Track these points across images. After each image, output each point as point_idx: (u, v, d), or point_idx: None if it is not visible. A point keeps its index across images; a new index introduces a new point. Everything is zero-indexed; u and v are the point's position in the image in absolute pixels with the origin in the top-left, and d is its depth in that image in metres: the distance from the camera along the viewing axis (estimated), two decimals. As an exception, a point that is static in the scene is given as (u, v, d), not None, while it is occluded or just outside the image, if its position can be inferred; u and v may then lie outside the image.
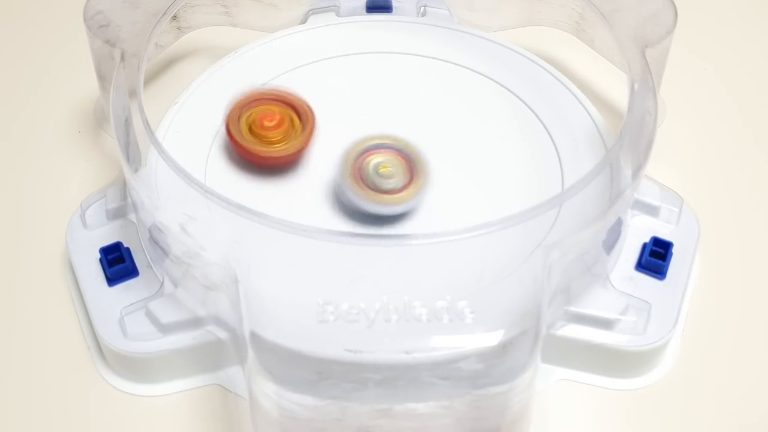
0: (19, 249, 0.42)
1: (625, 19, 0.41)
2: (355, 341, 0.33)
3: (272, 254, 0.35)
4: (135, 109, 0.38)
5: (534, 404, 0.35)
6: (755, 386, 0.38)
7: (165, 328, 0.37)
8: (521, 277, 0.35)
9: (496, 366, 0.33)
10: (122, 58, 0.40)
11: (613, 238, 0.38)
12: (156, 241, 0.37)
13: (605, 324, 0.37)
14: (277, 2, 0.48)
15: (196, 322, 0.37)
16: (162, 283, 0.38)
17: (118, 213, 0.41)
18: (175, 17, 0.46)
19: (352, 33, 0.47)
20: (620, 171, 0.38)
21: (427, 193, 0.39)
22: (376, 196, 0.38)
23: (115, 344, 0.37)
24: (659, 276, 0.39)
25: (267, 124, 0.40)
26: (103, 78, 0.42)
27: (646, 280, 0.39)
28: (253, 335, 0.33)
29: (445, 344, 0.33)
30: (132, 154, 0.38)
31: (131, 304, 0.38)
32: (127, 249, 0.39)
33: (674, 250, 0.39)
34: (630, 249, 0.40)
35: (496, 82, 0.45)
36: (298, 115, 0.41)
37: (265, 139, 0.40)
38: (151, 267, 0.39)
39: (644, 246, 0.40)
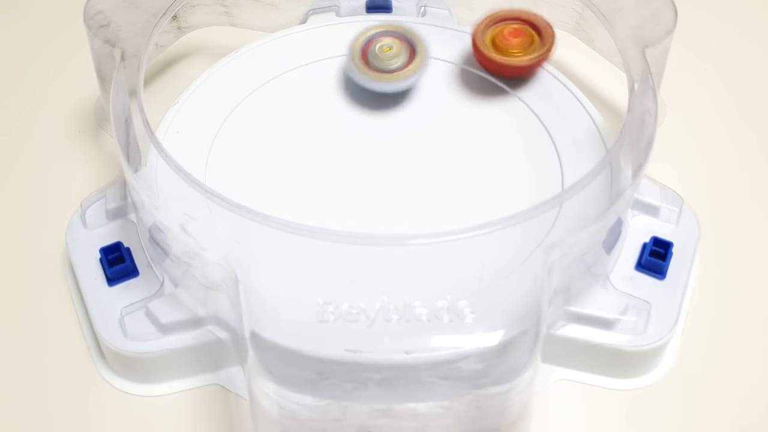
0: (19, 249, 0.42)
1: (625, 19, 0.41)
2: (356, 341, 0.33)
3: (272, 254, 0.35)
4: (135, 108, 0.38)
5: (534, 404, 0.35)
6: (755, 386, 0.38)
7: (165, 328, 0.37)
8: (521, 277, 0.35)
9: (497, 366, 0.33)
10: (122, 57, 0.40)
11: (613, 238, 0.38)
12: (156, 241, 0.37)
13: (605, 324, 0.37)
14: (278, 2, 0.48)
15: (196, 322, 0.37)
16: (162, 283, 0.38)
17: (118, 213, 0.41)
18: (175, 17, 0.46)
19: (353, 33, 0.47)
20: (620, 171, 0.39)
21: (426, 72, 0.43)
22: (382, 76, 0.43)
23: (115, 344, 0.37)
24: (659, 276, 0.39)
25: (510, 38, 0.44)
26: (103, 78, 0.42)
27: (646, 280, 0.39)
28: (254, 335, 0.33)
29: (446, 344, 0.33)
30: (132, 154, 0.38)
31: (131, 304, 0.38)
32: (127, 249, 0.39)
33: (674, 250, 0.39)
34: (630, 249, 0.40)
35: (495, 82, 0.45)
36: (538, 33, 0.44)
37: (507, 51, 0.44)
38: (151, 267, 0.39)
39: (644, 246, 0.40)
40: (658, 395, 0.38)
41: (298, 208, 0.39)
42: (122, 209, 0.41)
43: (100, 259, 0.39)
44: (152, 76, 0.48)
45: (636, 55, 0.40)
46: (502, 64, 0.44)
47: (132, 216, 0.40)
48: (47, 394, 0.38)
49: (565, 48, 0.46)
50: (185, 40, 0.47)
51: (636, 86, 0.39)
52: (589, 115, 0.43)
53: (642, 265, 0.39)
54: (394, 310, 0.34)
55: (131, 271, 0.39)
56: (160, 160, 0.37)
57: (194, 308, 0.37)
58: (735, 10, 0.53)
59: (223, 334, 0.37)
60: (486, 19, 0.44)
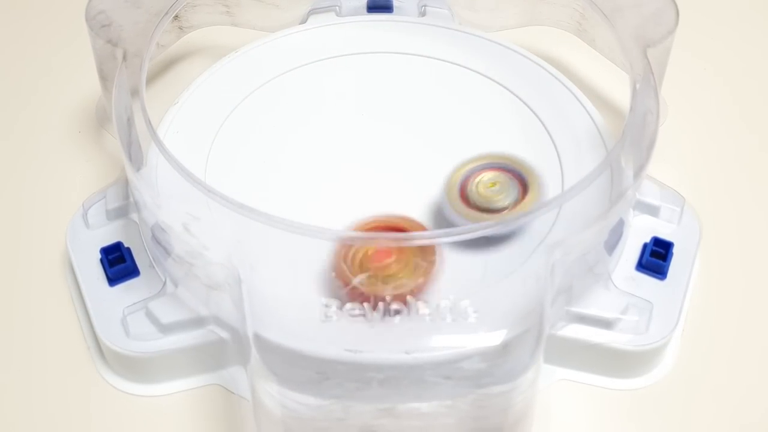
0: (20, 249, 0.42)
1: (626, 18, 0.41)
2: (358, 341, 0.33)
3: (275, 254, 0.35)
4: (137, 108, 0.38)
5: (536, 404, 0.35)
6: (755, 386, 0.38)
7: (166, 328, 0.37)
8: (524, 277, 0.35)
9: (499, 365, 0.33)
10: (124, 57, 0.40)
11: (614, 238, 0.38)
12: (158, 240, 0.37)
13: (607, 324, 0.37)
14: (278, 2, 0.48)
15: (197, 322, 0.37)
16: (164, 283, 0.38)
17: (119, 213, 0.41)
18: (176, 17, 0.46)
19: (353, 33, 0.47)
20: (621, 171, 0.39)
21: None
22: (485, 216, 0.37)
23: (115, 344, 0.37)
24: (660, 276, 0.39)
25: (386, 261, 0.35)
26: (105, 78, 0.42)
27: (647, 280, 0.39)
28: (256, 335, 0.33)
29: (448, 344, 0.33)
30: (134, 154, 0.38)
31: (132, 304, 0.38)
32: (128, 249, 0.39)
33: (675, 249, 0.40)
34: (631, 249, 0.40)
35: (496, 82, 0.45)
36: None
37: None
38: (152, 267, 0.39)
39: (645, 246, 0.40)
40: (658, 395, 0.38)
41: (298, 208, 0.39)
42: (123, 209, 0.41)
43: (101, 259, 0.39)
44: (153, 76, 0.48)
45: (638, 55, 0.40)
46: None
47: (133, 216, 0.40)
48: (47, 394, 0.38)
49: (566, 48, 0.46)
50: (186, 39, 0.47)
51: (638, 86, 0.39)
52: (590, 115, 0.43)
53: (642, 266, 0.39)
54: (397, 310, 0.34)
55: (132, 271, 0.39)
56: (161, 159, 0.37)
57: (196, 308, 0.37)
58: (735, 10, 0.54)
59: (224, 334, 0.37)
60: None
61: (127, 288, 0.38)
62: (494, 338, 0.33)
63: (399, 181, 0.41)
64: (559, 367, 0.38)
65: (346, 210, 0.39)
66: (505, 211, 0.37)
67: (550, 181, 0.40)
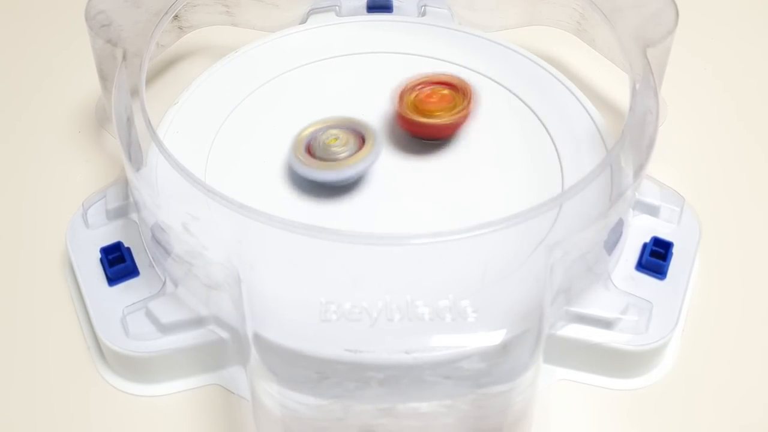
0: (20, 249, 0.42)
1: (626, 18, 0.41)
2: (358, 340, 0.33)
3: (275, 253, 0.35)
4: (137, 108, 0.38)
5: (536, 403, 0.35)
6: (755, 386, 0.38)
7: (166, 328, 0.37)
8: (523, 277, 0.35)
9: (499, 365, 0.33)
10: (124, 57, 0.40)
11: (614, 238, 0.38)
12: (158, 240, 0.37)
13: (606, 323, 0.37)
14: (278, 2, 0.48)
15: (197, 322, 0.37)
16: (164, 283, 0.38)
17: (119, 213, 0.41)
18: (176, 17, 0.46)
19: (353, 33, 0.47)
20: (621, 171, 0.39)
21: (380, 161, 0.40)
22: (329, 165, 0.40)
23: (115, 344, 0.37)
24: (659, 276, 0.39)
25: (430, 100, 0.42)
26: (104, 77, 0.42)
27: (647, 280, 0.39)
28: (256, 335, 0.33)
29: (448, 343, 0.33)
30: (134, 154, 0.38)
31: (132, 304, 0.38)
32: (128, 249, 0.39)
33: (675, 249, 0.40)
34: (631, 249, 0.40)
35: (496, 82, 0.45)
36: (460, 92, 0.42)
37: (428, 113, 0.41)
38: (152, 267, 0.39)
39: (644, 246, 0.40)
40: (658, 395, 0.38)
41: (298, 208, 0.39)
42: (123, 209, 0.41)
43: (101, 259, 0.39)
44: (153, 76, 0.48)
45: (637, 55, 0.40)
46: (426, 124, 0.41)
47: (133, 216, 0.40)
48: (47, 394, 0.38)
49: (566, 48, 0.46)
50: (186, 39, 0.47)
51: (637, 86, 0.39)
52: (590, 115, 0.43)
53: (642, 265, 0.39)
54: (397, 310, 0.34)
55: (131, 271, 0.39)
56: (161, 159, 0.37)
57: (196, 308, 0.37)
58: (735, 10, 0.54)
59: (224, 334, 0.37)
60: (406, 85, 0.43)
61: (126, 288, 0.38)
62: (494, 338, 0.33)
63: (399, 181, 0.41)
64: (559, 367, 0.38)
65: (346, 210, 0.40)
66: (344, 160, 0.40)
67: (550, 181, 0.41)
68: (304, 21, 0.48)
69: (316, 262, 0.36)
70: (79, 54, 0.48)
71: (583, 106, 0.43)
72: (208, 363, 0.38)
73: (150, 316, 0.37)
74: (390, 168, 0.41)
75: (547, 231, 0.37)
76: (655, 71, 0.39)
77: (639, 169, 0.37)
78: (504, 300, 0.35)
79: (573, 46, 0.46)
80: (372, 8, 0.49)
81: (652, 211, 0.41)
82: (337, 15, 0.48)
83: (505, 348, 0.33)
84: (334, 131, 0.40)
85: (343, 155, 0.40)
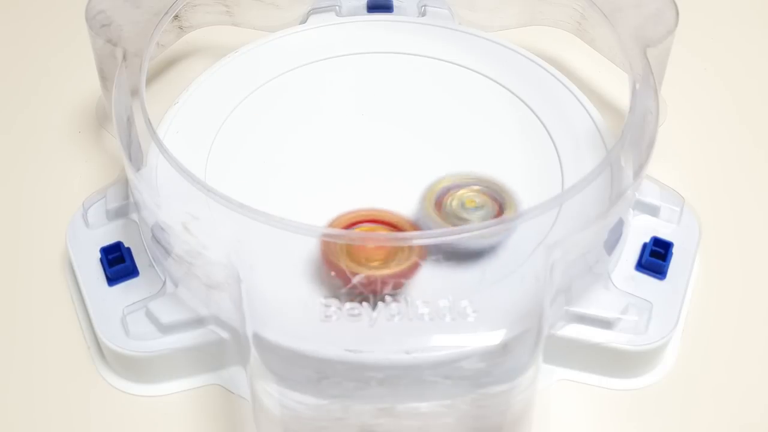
0: (20, 248, 0.42)
1: (626, 18, 0.41)
2: (358, 340, 0.33)
3: (275, 253, 0.35)
4: (137, 108, 0.38)
5: (536, 403, 0.35)
6: (755, 386, 0.38)
7: (165, 328, 0.37)
8: (523, 277, 0.35)
9: (498, 365, 0.33)
10: (124, 57, 0.40)
11: (614, 238, 0.38)
12: (158, 240, 0.37)
13: (606, 323, 0.37)
14: (278, 2, 0.48)
15: (197, 322, 0.37)
16: (164, 283, 0.38)
17: (119, 213, 0.41)
18: (176, 17, 0.46)
19: (353, 33, 0.47)
20: (621, 171, 0.39)
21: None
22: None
23: (115, 344, 0.37)
24: (659, 276, 0.39)
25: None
26: (105, 77, 0.42)
27: (647, 280, 0.39)
28: (256, 335, 0.33)
29: (447, 343, 0.33)
30: (134, 154, 0.38)
31: (132, 304, 0.38)
32: (128, 249, 0.39)
33: (675, 249, 0.40)
34: (631, 249, 0.40)
35: (496, 82, 0.45)
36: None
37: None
38: (152, 267, 0.39)
39: (644, 246, 0.40)
40: (658, 395, 0.38)
41: (298, 208, 0.39)
42: (123, 209, 0.41)
43: (101, 259, 0.39)
44: (153, 76, 0.48)
45: (637, 55, 0.40)
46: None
47: (133, 216, 0.40)
48: (47, 394, 0.38)
49: (566, 48, 0.46)
50: (186, 39, 0.47)
51: (637, 86, 0.39)
52: (590, 115, 0.43)
53: (642, 265, 0.39)
54: (396, 310, 0.34)
55: (131, 271, 0.39)
56: (161, 159, 0.37)
57: (196, 308, 0.37)
58: (735, 10, 0.54)
59: (224, 334, 0.37)
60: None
61: (126, 288, 0.38)
62: (493, 338, 0.33)
63: (399, 181, 0.41)
64: (559, 367, 0.38)
65: (347, 210, 0.39)
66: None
67: (550, 181, 0.41)
68: (304, 21, 0.48)
69: (315, 262, 0.35)
70: (79, 54, 0.48)
71: (583, 106, 0.43)
72: (208, 363, 0.38)
73: (150, 316, 0.37)
74: (389, 166, 0.41)
75: (546, 231, 0.37)
76: (655, 71, 0.39)
77: (639, 169, 0.37)
78: (504, 300, 0.35)
79: (573, 46, 0.46)
80: (372, 8, 0.49)
81: (652, 211, 0.41)
82: (337, 15, 0.48)
83: (504, 348, 0.33)
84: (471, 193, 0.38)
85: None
